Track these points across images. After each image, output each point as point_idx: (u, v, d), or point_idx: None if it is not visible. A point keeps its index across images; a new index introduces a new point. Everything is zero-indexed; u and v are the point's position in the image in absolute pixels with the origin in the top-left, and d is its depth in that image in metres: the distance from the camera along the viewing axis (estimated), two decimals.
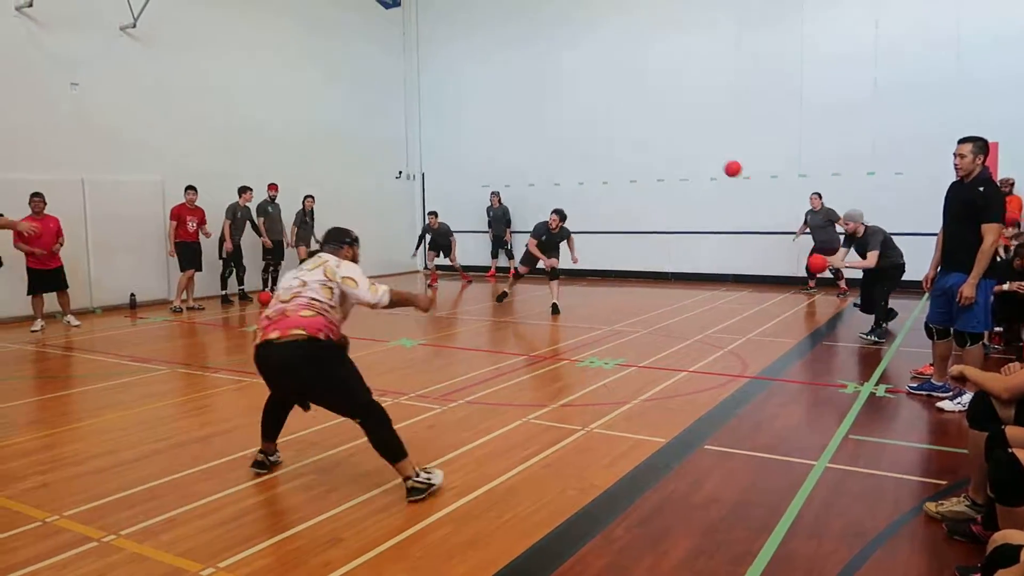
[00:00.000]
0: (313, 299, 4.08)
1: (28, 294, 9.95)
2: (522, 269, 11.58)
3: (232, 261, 12.73)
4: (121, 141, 12.08)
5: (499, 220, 16.73)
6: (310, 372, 3.96)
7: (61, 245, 10.14)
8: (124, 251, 12.10)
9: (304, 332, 3.94)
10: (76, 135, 11.52)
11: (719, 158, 14.71)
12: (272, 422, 4.54)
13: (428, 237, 15.67)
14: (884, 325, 8.63)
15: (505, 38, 17.05)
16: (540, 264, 11.23)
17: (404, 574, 3.24)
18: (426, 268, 15.07)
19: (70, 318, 10.33)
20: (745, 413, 5.78)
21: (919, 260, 7.21)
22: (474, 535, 3.61)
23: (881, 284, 8.47)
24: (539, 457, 4.72)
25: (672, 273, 15.44)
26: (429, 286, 14.89)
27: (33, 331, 9.79)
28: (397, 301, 4.25)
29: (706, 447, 4.89)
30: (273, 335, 3.97)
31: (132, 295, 12.17)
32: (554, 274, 11.07)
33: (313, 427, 5.41)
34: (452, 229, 15.60)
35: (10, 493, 4.25)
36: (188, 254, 11.88)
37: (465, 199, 17.73)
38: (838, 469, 4.47)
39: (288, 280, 4.28)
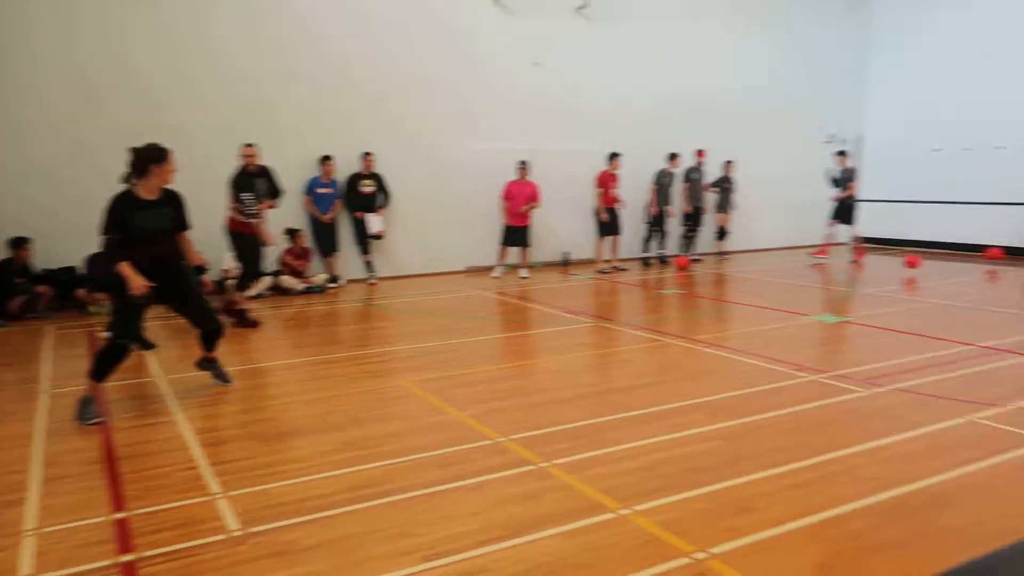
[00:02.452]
0: None
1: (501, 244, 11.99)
2: None
3: (655, 226, 13.29)
4: (569, 114, 13.31)
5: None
6: None
7: (532, 208, 11.83)
8: (561, 214, 13.44)
9: None
10: (532, 110, 12.99)
11: None
12: None
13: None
14: None
15: None
16: None
17: (819, 556, 3.12)
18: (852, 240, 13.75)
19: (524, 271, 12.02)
20: None
21: None
22: (898, 535, 3.31)
23: None
24: (984, 464, 4.09)
25: None
26: (853, 263, 13.57)
27: (494, 277, 11.70)
28: None
29: None
30: None
31: (565, 253, 13.53)
32: None
33: (726, 392, 5.46)
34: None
35: (473, 412, 5.12)
36: (608, 219, 12.56)
37: (910, 166, 15.80)
38: None
39: None
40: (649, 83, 14.08)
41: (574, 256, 13.55)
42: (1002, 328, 7.72)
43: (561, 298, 10.11)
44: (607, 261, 12.76)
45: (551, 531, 3.38)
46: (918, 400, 5.28)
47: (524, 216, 11.91)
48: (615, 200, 12.60)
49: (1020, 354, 6.55)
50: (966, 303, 9.28)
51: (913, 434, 4.59)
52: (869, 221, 15.41)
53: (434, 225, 12.23)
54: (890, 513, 3.53)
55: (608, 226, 12.63)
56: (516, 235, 11.97)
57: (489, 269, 12.25)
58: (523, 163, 11.92)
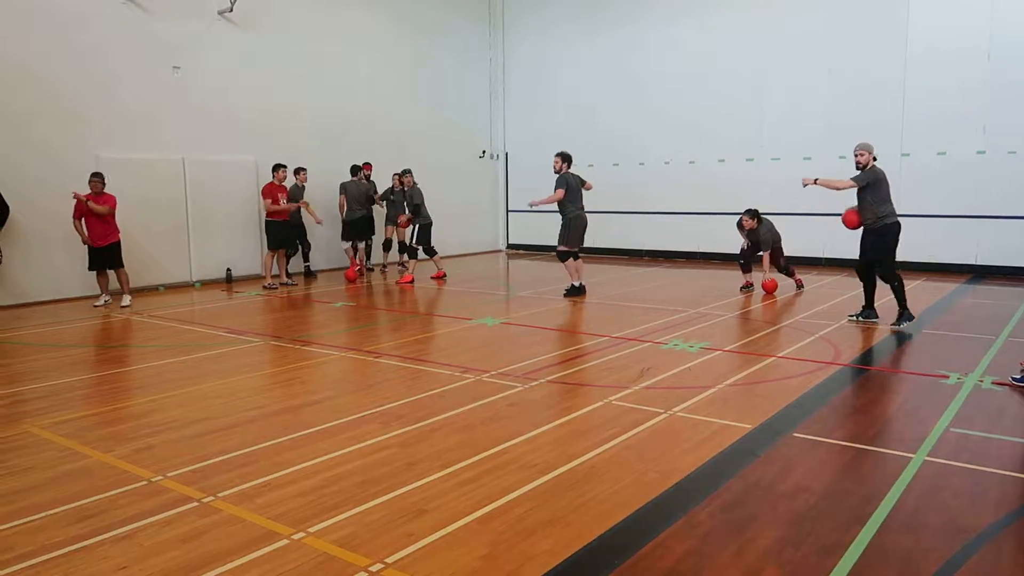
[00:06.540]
0: None
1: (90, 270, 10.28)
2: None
3: (298, 238, 12.95)
4: (218, 122, 12.56)
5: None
6: None
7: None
8: (221, 228, 12.62)
9: None
10: (177, 116, 12.04)
11: (814, 137, 14.11)
12: None
13: None
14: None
15: (593, 15, 16.81)
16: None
17: (485, 548, 3.28)
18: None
19: (125, 298, 10.33)
20: (837, 401, 5.58)
21: None
22: (554, 513, 3.62)
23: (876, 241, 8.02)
24: (621, 439, 4.69)
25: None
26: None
27: (96, 306, 10.19)
28: None
29: (795, 435, 4.75)
30: None
31: (228, 270, 12.71)
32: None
33: (398, 400, 5.54)
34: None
35: (120, 453, 4.53)
36: (277, 233, 12.03)
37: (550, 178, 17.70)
38: (938, 463, 4.25)
39: None
40: (304, 91, 13.93)
41: (237, 272, 12.82)
42: (630, 320, 8.97)
43: (223, 317, 9.45)
44: (275, 276, 12.25)
45: (216, 570, 3.10)
46: (567, 389, 5.88)
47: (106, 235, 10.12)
48: (285, 212, 12.13)
49: (642, 341, 7.66)
50: (591, 299, 10.62)
51: (565, 419, 5.09)
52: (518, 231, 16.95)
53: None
54: (547, 495, 3.85)
55: (277, 239, 12.11)
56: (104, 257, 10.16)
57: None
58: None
